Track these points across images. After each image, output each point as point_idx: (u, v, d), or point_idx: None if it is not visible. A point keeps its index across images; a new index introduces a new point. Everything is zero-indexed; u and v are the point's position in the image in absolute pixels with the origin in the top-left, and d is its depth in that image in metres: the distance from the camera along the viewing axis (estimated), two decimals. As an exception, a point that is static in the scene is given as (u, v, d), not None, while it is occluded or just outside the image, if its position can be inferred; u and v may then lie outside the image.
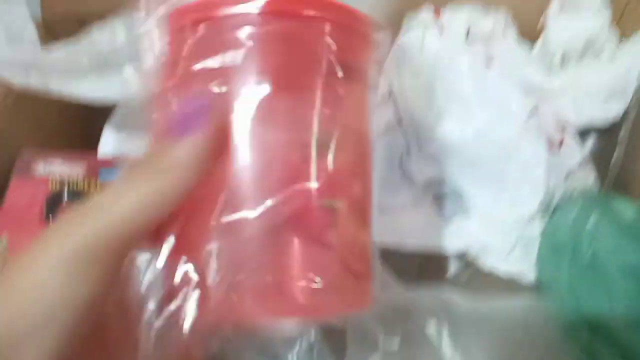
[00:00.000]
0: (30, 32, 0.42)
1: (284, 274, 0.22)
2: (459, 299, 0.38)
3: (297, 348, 0.39)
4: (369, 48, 0.25)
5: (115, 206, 0.19)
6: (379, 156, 0.47)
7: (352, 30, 0.24)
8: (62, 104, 0.55)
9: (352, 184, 0.23)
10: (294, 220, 0.22)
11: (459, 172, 0.46)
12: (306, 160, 0.22)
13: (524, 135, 0.45)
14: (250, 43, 0.22)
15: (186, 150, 0.19)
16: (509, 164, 0.45)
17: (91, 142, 0.53)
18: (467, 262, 0.45)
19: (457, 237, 0.44)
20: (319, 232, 0.22)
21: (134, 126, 0.52)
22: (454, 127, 0.45)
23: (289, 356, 0.40)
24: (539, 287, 0.43)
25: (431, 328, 0.35)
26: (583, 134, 0.50)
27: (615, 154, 0.49)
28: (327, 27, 0.23)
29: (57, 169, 0.44)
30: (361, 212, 0.24)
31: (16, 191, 0.43)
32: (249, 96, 0.22)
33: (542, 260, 0.43)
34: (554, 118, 0.48)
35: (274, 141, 0.22)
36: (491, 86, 0.46)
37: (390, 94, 0.47)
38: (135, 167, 0.19)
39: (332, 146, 0.22)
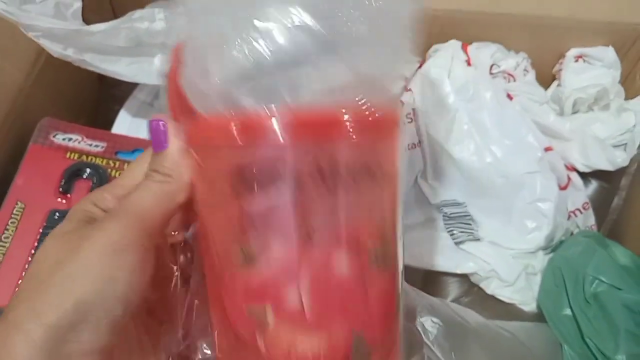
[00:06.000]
0: (77, 8, 0.42)
1: None
2: (467, 313, 0.39)
3: None
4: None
5: (140, 205, 0.24)
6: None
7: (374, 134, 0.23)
8: (82, 79, 0.55)
9: (283, 290, 0.22)
10: (228, 320, 0.23)
11: (472, 198, 0.48)
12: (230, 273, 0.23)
13: (537, 171, 0.47)
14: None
15: (169, 162, 0.24)
16: (520, 196, 0.47)
17: (104, 116, 0.54)
18: (470, 284, 0.46)
19: (465, 259, 0.46)
20: (247, 336, 0.23)
21: (147, 114, 0.52)
22: (472, 155, 0.47)
23: None
24: (539, 317, 0.44)
25: (437, 334, 0.36)
26: (586, 177, 0.52)
27: (615, 201, 0.52)
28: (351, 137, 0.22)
29: (76, 142, 0.44)
30: (300, 318, 0.22)
31: (34, 157, 0.43)
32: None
33: (546, 292, 0.44)
34: (562, 159, 0.50)
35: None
36: (510, 120, 0.48)
37: (414, 113, 0.48)
38: (146, 176, 0.25)
39: (254, 258, 0.22)
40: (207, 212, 0.24)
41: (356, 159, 0.22)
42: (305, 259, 0.22)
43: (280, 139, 0.21)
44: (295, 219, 0.22)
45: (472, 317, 0.39)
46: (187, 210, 0.26)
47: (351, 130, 0.22)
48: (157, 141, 0.25)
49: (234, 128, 0.22)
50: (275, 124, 0.21)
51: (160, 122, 0.25)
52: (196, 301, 0.27)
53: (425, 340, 0.35)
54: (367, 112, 0.23)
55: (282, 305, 0.22)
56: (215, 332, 0.25)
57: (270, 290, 0.22)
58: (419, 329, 0.36)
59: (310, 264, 0.22)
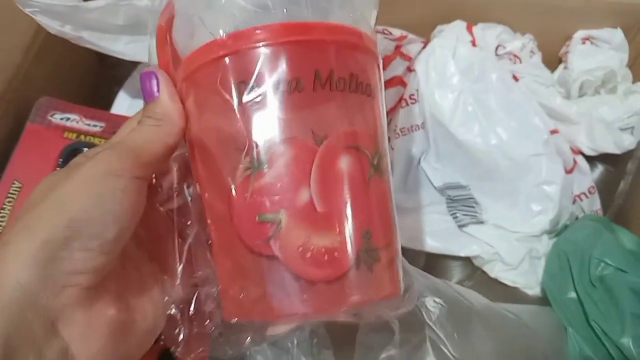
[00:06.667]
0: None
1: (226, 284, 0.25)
2: (470, 295, 0.38)
3: (297, 332, 0.39)
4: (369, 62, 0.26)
5: (133, 141, 0.24)
6: (399, 154, 0.47)
7: (353, 48, 0.25)
8: (81, 59, 0.54)
9: (295, 193, 0.23)
10: (237, 236, 0.24)
11: (476, 181, 0.47)
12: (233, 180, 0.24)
13: (543, 154, 0.46)
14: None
15: (161, 108, 0.25)
16: (525, 179, 0.46)
17: (103, 98, 0.53)
18: (473, 267, 0.46)
19: (468, 242, 0.45)
20: (259, 245, 0.23)
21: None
22: (476, 137, 0.46)
23: (289, 340, 0.39)
24: (543, 300, 0.44)
25: (440, 315, 0.35)
26: (592, 161, 0.51)
27: (621, 185, 0.51)
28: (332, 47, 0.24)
29: (75, 121, 0.43)
30: (314, 219, 0.23)
31: (32, 137, 0.42)
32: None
33: (550, 275, 0.44)
34: (568, 142, 0.50)
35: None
36: (516, 102, 0.47)
37: (418, 94, 0.47)
38: (138, 122, 0.25)
39: (264, 164, 0.23)
40: (209, 138, 0.25)
41: (346, 68, 0.24)
42: (314, 162, 0.23)
43: (277, 39, 0.23)
44: (301, 122, 0.23)
45: (476, 298, 0.38)
46: (183, 174, 0.27)
47: (339, 40, 0.24)
48: (148, 91, 0.26)
49: (227, 36, 0.24)
50: (270, 28, 0.23)
51: (152, 73, 0.26)
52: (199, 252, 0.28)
53: (427, 320, 0.35)
54: (352, 30, 0.25)
55: (294, 207, 0.23)
56: (219, 267, 0.26)
57: (282, 194, 0.23)
58: (421, 309, 0.35)
59: (319, 166, 0.23)
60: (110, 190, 0.22)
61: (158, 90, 0.25)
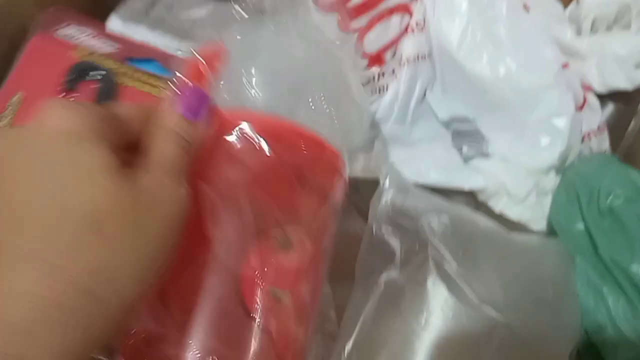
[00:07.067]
0: None
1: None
2: (476, 217, 0.38)
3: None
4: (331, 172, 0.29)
5: (174, 164, 0.23)
6: (404, 86, 0.46)
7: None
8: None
9: (300, 283, 0.26)
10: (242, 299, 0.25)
11: (483, 113, 0.46)
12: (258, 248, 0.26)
13: (553, 86, 0.45)
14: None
15: (195, 133, 0.25)
16: (534, 111, 0.45)
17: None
18: (477, 202, 0.45)
19: (473, 176, 0.44)
20: (260, 314, 0.25)
21: (140, 20, 0.49)
22: (485, 68, 0.45)
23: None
24: (549, 235, 0.43)
25: (445, 232, 0.34)
26: (602, 99, 0.50)
27: (632, 125, 0.50)
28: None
29: (85, 38, 0.42)
30: (304, 312, 0.26)
31: (36, 50, 0.40)
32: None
33: (558, 207, 0.43)
34: (579, 78, 0.48)
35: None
36: (526, 34, 0.46)
37: (425, 22, 0.46)
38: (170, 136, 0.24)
39: (291, 245, 0.26)
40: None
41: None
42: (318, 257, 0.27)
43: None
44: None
45: (482, 220, 0.37)
46: None
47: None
48: (193, 110, 0.25)
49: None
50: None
51: (208, 98, 0.26)
52: None
53: (431, 238, 0.34)
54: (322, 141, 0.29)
55: (298, 293, 0.26)
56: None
57: (297, 278, 0.26)
58: (424, 227, 0.34)
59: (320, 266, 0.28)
60: (176, 241, 0.22)
61: (201, 116, 0.25)
